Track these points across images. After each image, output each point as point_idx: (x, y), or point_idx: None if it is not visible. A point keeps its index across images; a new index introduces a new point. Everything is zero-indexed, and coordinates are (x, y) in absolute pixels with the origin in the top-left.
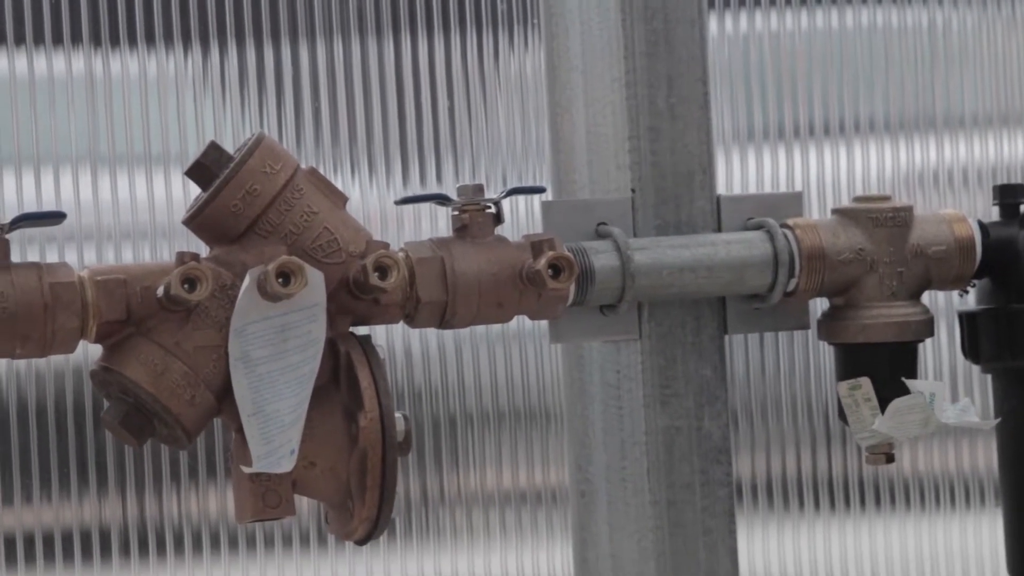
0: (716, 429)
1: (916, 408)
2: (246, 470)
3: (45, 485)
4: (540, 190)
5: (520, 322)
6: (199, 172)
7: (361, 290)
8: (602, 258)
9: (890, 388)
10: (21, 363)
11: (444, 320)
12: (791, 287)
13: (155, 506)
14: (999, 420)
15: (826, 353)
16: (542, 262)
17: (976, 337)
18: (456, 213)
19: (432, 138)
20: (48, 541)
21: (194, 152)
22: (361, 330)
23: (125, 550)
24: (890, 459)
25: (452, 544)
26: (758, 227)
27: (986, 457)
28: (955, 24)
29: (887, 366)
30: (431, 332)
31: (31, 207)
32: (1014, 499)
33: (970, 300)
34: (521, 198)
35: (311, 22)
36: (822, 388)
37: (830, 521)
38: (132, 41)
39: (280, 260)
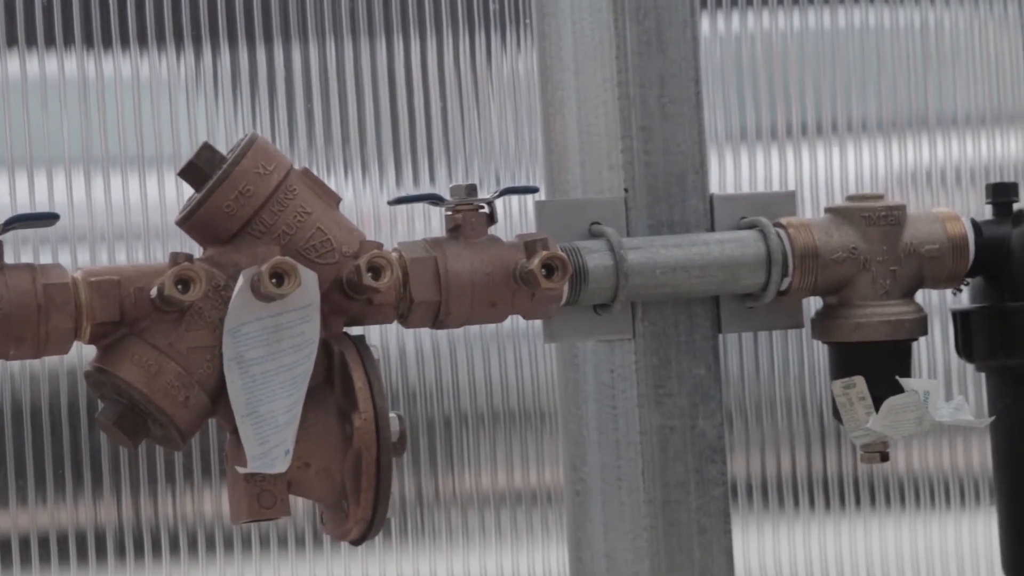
0: (710, 428)
1: (910, 406)
2: (241, 471)
3: (40, 486)
4: (533, 190)
5: (514, 322)
6: (192, 173)
7: (355, 290)
8: (595, 258)
9: (884, 387)
10: (15, 364)
11: (438, 320)
12: (784, 286)
13: (150, 507)
14: (993, 418)
15: (820, 352)
16: (535, 262)
17: (970, 335)
18: (449, 213)
19: (425, 138)
20: (43, 543)
21: (187, 153)
22: (355, 330)
23: (120, 551)
24: (884, 458)
25: (447, 544)
26: (751, 226)
27: (980, 455)
28: (947, 24)
29: (881, 365)
30: (425, 332)
31: (24, 208)
32: (1008, 497)
33: (963, 298)
34: (514, 198)
35: (303, 23)
36: (816, 387)
37: (825, 520)
38: (124, 42)
39: (273, 261)
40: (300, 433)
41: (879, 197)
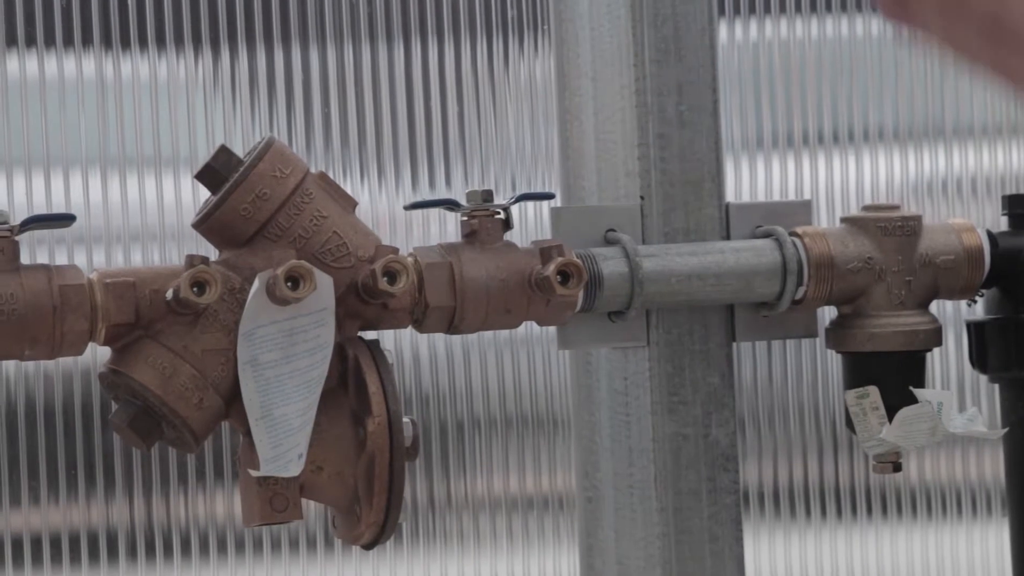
0: (723, 437)
1: (923, 417)
2: (254, 474)
3: (52, 487)
4: (549, 196)
5: (528, 328)
6: (209, 175)
7: (370, 295)
8: (611, 265)
9: (898, 397)
10: (30, 365)
11: (452, 325)
12: (799, 295)
13: (162, 509)
14: (1006, 430)
15: (834, 361)
16: (551, 268)
17: (984, 347)
18: (465, 218)
19: (441, 143)
20: (55, 543)
21: (204, 155)
22: (369, 335)
23: (132, 553)
24: (897, 468)
25: (459, 549)
26: (767, 235)
27: (993, 467)
28: None
29: (895, 375)
30: (439, 337)
31: (41, 209)
32: (1021, 508)
33: (978, 310)
34: (530, 204)
35: (322, 26)
36: (829, 396)
37: (836, 529)
38: (143, 43)
39: (289, 264)
40: (313, 437)
41: (895, 207)
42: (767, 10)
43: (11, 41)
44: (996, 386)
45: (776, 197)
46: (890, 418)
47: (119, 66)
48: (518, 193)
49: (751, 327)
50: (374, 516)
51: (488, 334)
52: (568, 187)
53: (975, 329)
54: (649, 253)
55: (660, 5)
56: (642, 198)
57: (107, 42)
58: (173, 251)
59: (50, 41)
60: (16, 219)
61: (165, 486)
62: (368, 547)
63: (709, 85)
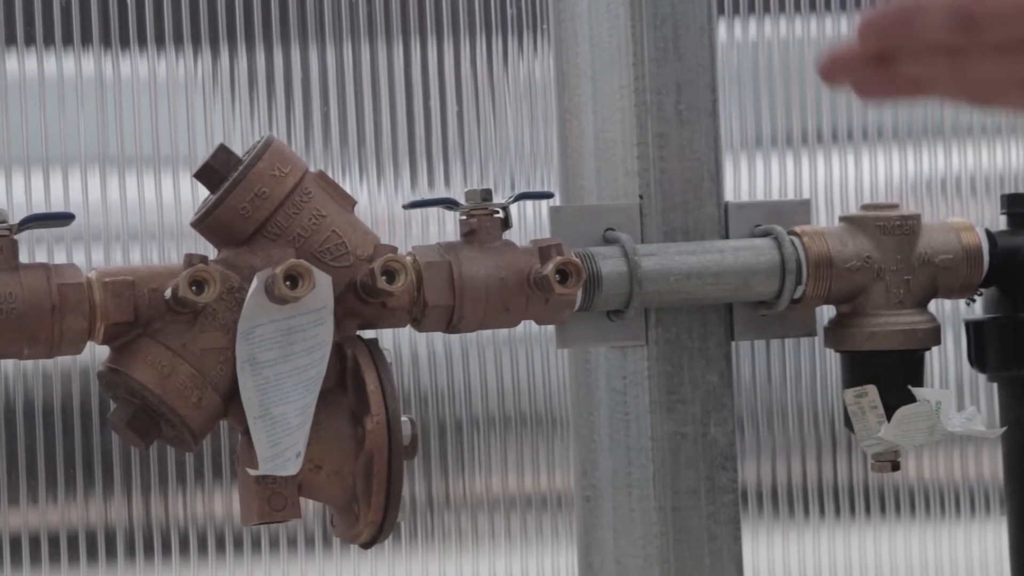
0: (722, 436)
1: (922, 416)
2: (252, 473)
3: (51, 486)
4: (548, 195)
5: (527, 327)
6: (208, 174)
7: (369, 294)
8: (609, 264)
9: (896, 396)
10: (28, 363)
11: (451, 324)
12: (798, 294)
13: (161, 508)
14: (1005, 429)
15: (832, 360)
16: (550, 267)
17: (982, 346)
18: (464, 218)
19: (441, 142)
20: (54, 542)
21: (203, 154)
22: (368, 333)
23: (131, 551)
24: (896, 467)
25: (457, 548)
26: (765, 234)
27: (991, 466)
28: None
29: (893, 374)
30: (438, 336)
31: (40, 208)
32: (1019, 508)
33: (977, 309)
34: (529, 203)
35: (321, 25)
36: (828, 395)
37: (835, 528)
38: (142, 42)
39: (288, 263)
40: (312, 436)
41: (894, 206)
42: (766, 9)
43: (10, 40)
44: (995, 385)
45: (775, 196)
46: (889, 417)
47: (118, 65)
48: (517, 192)
49: (750, 326)
50: (372, 515)
51: (487, 333)
52: (567, 186)
53: (974, 328)
54: (648, 252)
55: (659, 4)
56: (641, 197)
57: (106, 41)
58: (172, 250)
59: (49, 40)
60: (15, 218)
61: (164, 485)
62: (366, 546)
63: (708, 84)
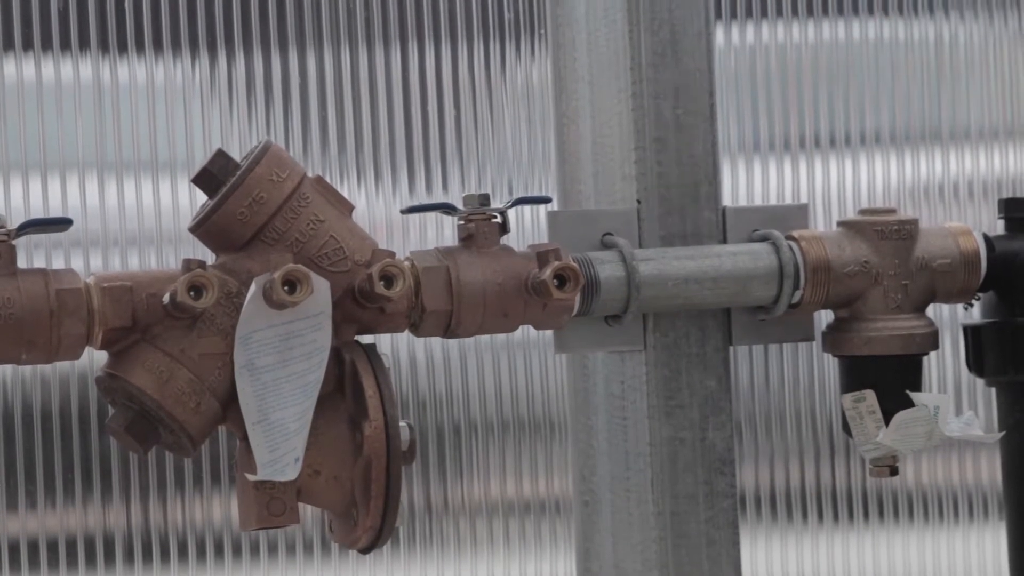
0: (720, 440)
1: (920, 421)
2: (251, 478)
3: (49, 491)
4: (546, 200)
5: (525, 331)
6: (206, 179)
7: (367, 299)
8: (607, 268)
9: (894, 401)
10: (26, 369)
11: (449, 329)
12: (796, 299)
13: (159, 513)
14: (1003, 433)
15: (830, 365)
16: (547, 272)
17: (980, 350)
18: (462, 223)
19: (438, 147)
20: (52, 547)
21: (201, 159)
22: (366, 339)
23: (129, 557)
24: (894, 472)
25: (455, 553)
26: (763, 239)
27: (990, 470)
28: (962, 37)
29: (891, 379)
30: (436, 341)
31: (38, 213)
32: (1017, 512)
33: (974, 313)
34: (527, 208)
35: (319, 30)
36: (826, 400)
37: (833, 533)
38: (140, 48)
39: (286, 268)
40: (310, 441)
41: (891, 211)
42: (764, 14)
43: (8, 45)
44: (993, 390)
45: (773, 201)
46: (887, 422)
47: (116, 70)
48: (515, 197)
49: (748, 331)
50: (371, 520)
51: (484, 338)
52: (565, 191)
53: (972, 333)
54: (646, 257)
55: (657, 9)
56: (639, 202)
57: (104, 46)
58: (170, 255)
59: (47, 45)
60: (13, 223)
61: (162, 490)
62: (365, 551)
63: (706, 89)
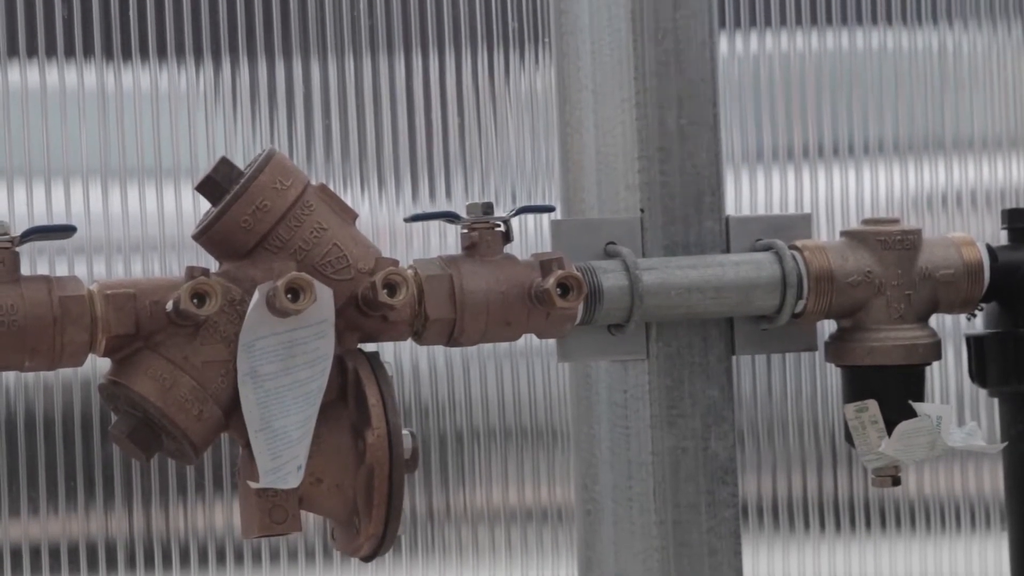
0: (722, 450)
1: (923, 431)
2: (253, 486)
3: (52, 497)
4: (549, 209)
5: (528, 340)
6: (209, 187)
7: (370, 307)
8: (611, 278)
9: (897, 411)
10: (29, 375)
11: (452, 338)
12: (799, 309)
13: (161, 520)
14: (1005, 444)
15: (833, 375)
16: (551, 281)
17: (983, 361)
18: (465, 231)
19: (442, 155)
20: (54, 553)
21: (205, 166)
22: (369, 347)
23: (131, 563)
24: (896, 482)
25: (458, 561)
26: (767, 248)
27: (992, 481)
28: (965, 47)
29: (894, 389)
30: (439, 349)
31: (41, 219)
32: (1019, 522)
33: (977, 324)
34: (530, 216)
35: (323, 38)
36: (828, 410)
37: (835, 543)
38: (144, 54)
39: (289, 276)
40: (313, 449)
41: (895, 221)
42: (767, 23)
43: (12, 51)
44: (995, 400)
45: (776, 210)
46: (889, 432)
47: (120, 77)
48: (518, 206)
49: (750, 340)
50: (373, 528)
51: (488, 346)
52: (568, 200)
53: (974, 343)
54: (649, 266)
55: (661, 18)
56: (642, 211)
57: (108, 53)
58: (173, 262)
59: (51, 51)
60: (17, 230)
61: (164, 497)
62: (367, 559)
63: (709, 99)
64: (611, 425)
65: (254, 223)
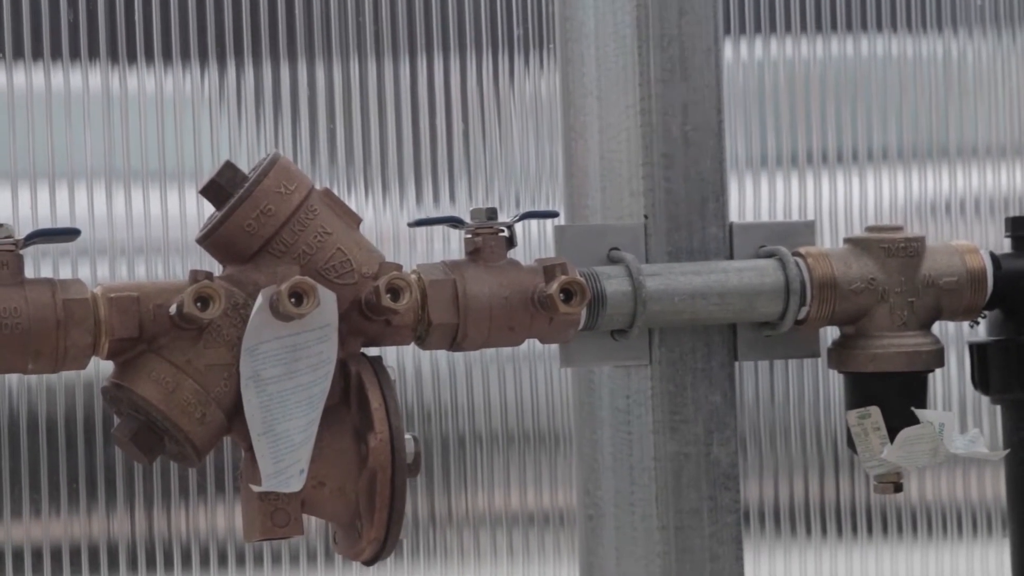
0: (725, 456)
1: (925, 438)
2: (255, 489)
3: (54, 499)
4: (553, 214)
5: (530, 344)
6: (214, 191)
7: (373, 311)
8: (614, 283)
9: (899, 417)
10: (32, 378)
11: (455, 343)
12: (802, 315)
13: (163, 522)
14: (1007, 451)
15: (835, 381)
16: (554, 286)
17: (986, 368)
18: (469, 236)
19: (446, 160)
20: (56, 555)
21: (209, 170)
22: (372, 351)
23: (133, 565)
24: (898, 488)
25: (459, 565)
26: (770, 255)
27: (994, 487)
28: (970, 55)
29: (897, 396)
30: (441, 353)
31: (46, 222)
32: (1021, 529)
33: (980, 331)
34: (534, 221)
35: (327, 42)
36: (831, 416)
37: (837, 548)
38: (149, 58)
39: (293, 280)
40: (315, 452)
41: (898, 228)
42: (772, 29)
43: (18, 54)
44: (998, 407)
45: (780, 217)
46: (892, 438)
47: (125, 80)
48: (522, 211)
49: (753, 346)
50: (375, 532)
51: (490, 351)
52: (572, 205)
53: (977, 350)
54: (652, 272)
55: (666, 25)
56: (646, 217)
57: (113, 56)
58: (177, 265)
59: (57, 55)
60: (21, 232)
61: (166, 500)
62: (369, 563)
63: (714, 105)
64: (613, 430)
65: (258, 227)
